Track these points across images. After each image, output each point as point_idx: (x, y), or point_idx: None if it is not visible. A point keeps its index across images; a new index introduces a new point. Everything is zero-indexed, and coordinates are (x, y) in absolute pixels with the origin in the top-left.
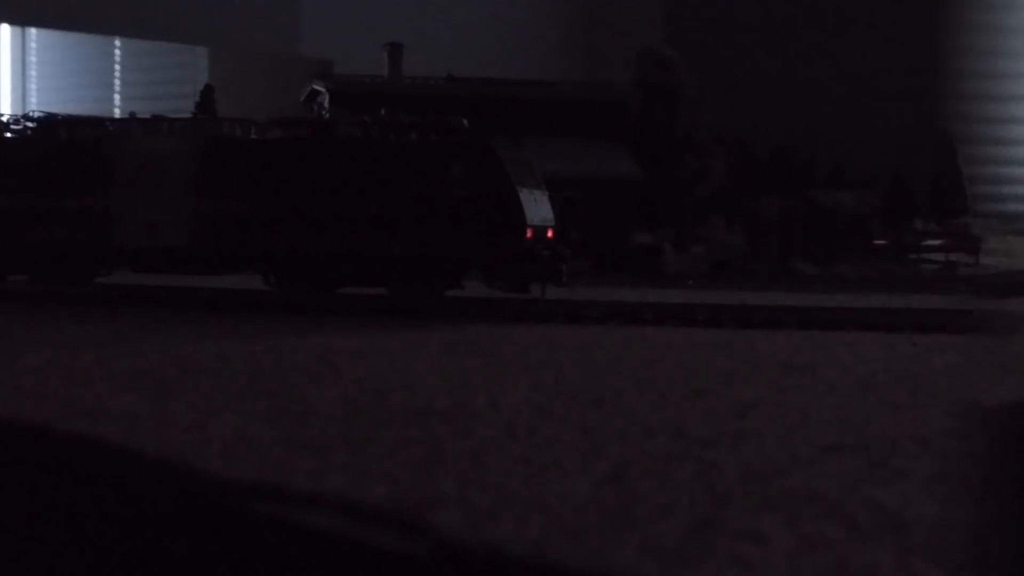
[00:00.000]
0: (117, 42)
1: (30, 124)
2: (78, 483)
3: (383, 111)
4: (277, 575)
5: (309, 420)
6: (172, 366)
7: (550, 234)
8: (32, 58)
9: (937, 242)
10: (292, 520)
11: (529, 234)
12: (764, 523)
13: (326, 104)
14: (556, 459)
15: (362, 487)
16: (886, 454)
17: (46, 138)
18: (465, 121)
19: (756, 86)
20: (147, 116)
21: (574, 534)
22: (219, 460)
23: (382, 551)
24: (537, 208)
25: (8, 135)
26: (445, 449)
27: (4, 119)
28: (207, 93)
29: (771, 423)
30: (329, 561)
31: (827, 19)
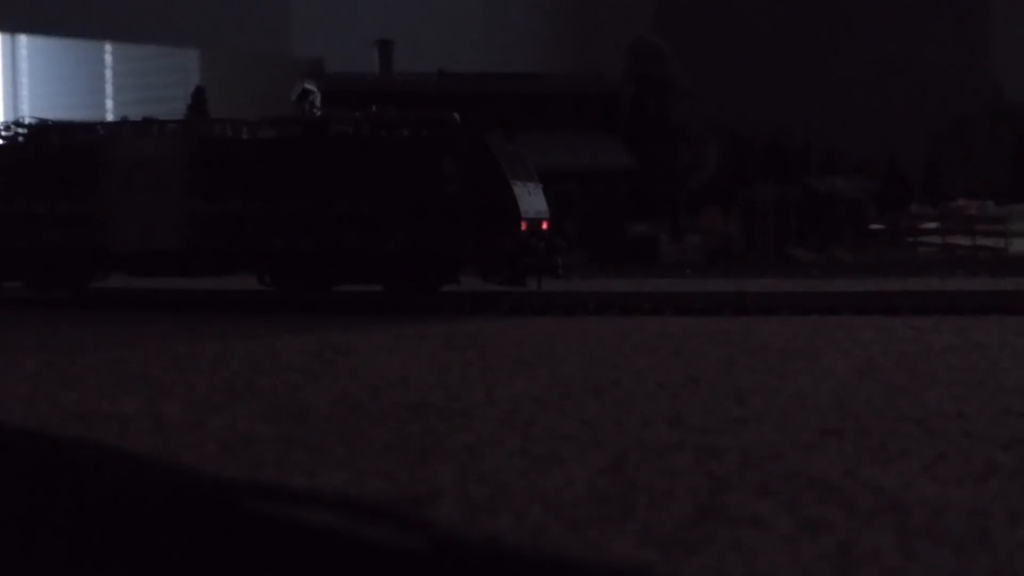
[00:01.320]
0: (108, 47)
1: (21, 130)
2: (73, 486)
3: (374, 108)
4: (276, 572)
5: (306, 418)
6: (168, 367)
7: (545, 226)
8: (23, 65)
9: (933, 225)
10: (290, 517)
11: (524, 227)
12: (764, 508)
13: (317, 103)
14: (554, 450)
15: (360, 483)
16: (885, 437)
17: (38, 144)
18: (457, 116)
19: (748, 75)
20: (138, 119)
21: (573, 525)
22: (216, 459)
23: (380, 546)
24: (531, 201)
25: (0, 142)
26: (442, 443)
27: None
28: (199, 95)
29: (770, 408)
30: (327, 557)
31: (818, 7)
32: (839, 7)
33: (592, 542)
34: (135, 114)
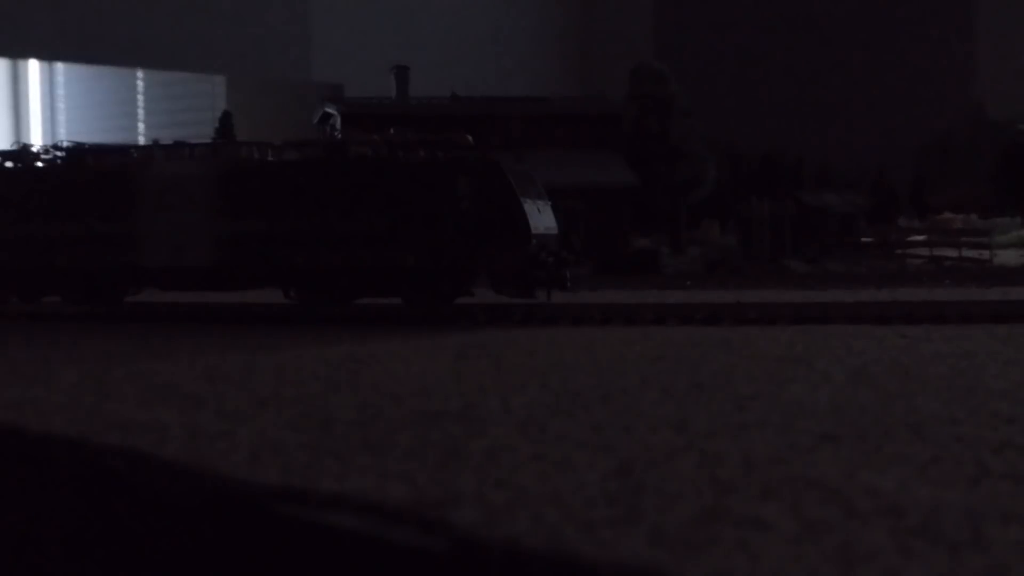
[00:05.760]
0: (139, 74)
1: (59, 154)
2: (112, 493)
3: (392, 130)
4: (305, 574)
5: (331, 425)
6: (199, 378)
7: (554, 242)
8: (60, 91)
9: (921, 237)
10: (317, 521)
11: (533, 242)
12: (767, 510)
13: (338, 125)
14: (567, 455)
15: (383, 488)
16: (881, 441)
17: (75, 166)
18: (470, 137)
19: (743, 95)
20: (169, 143)
21: (586, 526)
22: (247, 466)
23: (404, 548)
24: (541, 217)
25: (39, 164)
26: (461, 449)
27: (35, 150)
28: (226, 119)
29: (770, 414)
30: (352, 560)
31: (809, 29)
32: (829, 29)
33: (604, 543)
34: (166, 137)
